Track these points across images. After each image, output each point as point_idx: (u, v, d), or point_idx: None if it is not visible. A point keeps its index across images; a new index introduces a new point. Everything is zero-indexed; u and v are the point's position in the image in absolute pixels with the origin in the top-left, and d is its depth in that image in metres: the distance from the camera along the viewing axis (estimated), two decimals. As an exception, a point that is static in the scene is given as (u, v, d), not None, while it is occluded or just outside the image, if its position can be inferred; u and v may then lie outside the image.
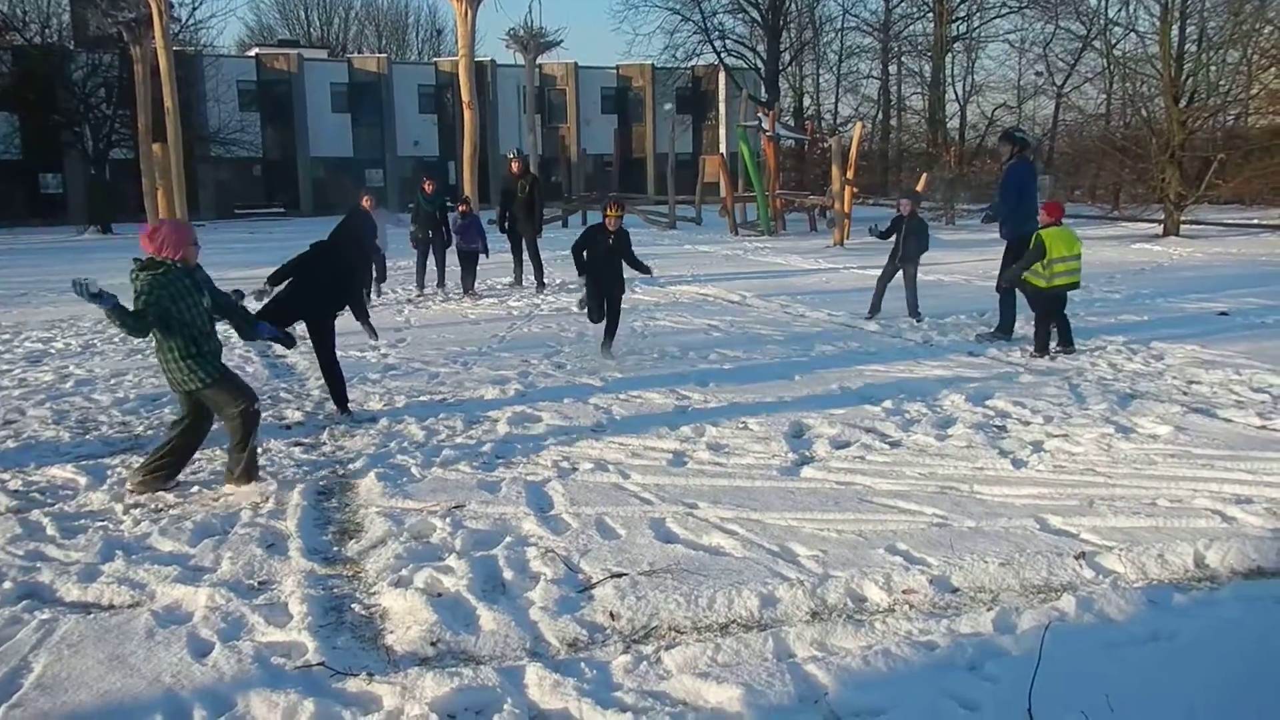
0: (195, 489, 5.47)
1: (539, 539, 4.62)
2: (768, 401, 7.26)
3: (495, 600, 3.97)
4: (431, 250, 14.22)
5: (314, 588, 4.13)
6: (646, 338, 10.16)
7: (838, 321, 11.03)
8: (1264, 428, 6.39)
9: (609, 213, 8.82)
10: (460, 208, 14.21)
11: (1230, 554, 4.28)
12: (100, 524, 4.92)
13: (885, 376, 8.05)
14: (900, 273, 11.08)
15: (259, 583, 4.22)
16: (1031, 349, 8.97)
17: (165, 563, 4.40)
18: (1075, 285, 9.04)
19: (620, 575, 4.16)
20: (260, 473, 5.58)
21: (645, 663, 3.45)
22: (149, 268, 5.21)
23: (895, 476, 5.49)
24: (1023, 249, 9.40)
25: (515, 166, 14.46)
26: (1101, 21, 31.11)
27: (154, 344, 5.39)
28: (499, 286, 14.64)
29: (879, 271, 11.48)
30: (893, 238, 11.10)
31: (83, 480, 5.61)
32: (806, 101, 50.68)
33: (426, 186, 14.37)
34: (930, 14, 43.50)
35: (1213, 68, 26.07)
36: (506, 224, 14.34)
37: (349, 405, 7.14)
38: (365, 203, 12.55)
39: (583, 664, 3.46)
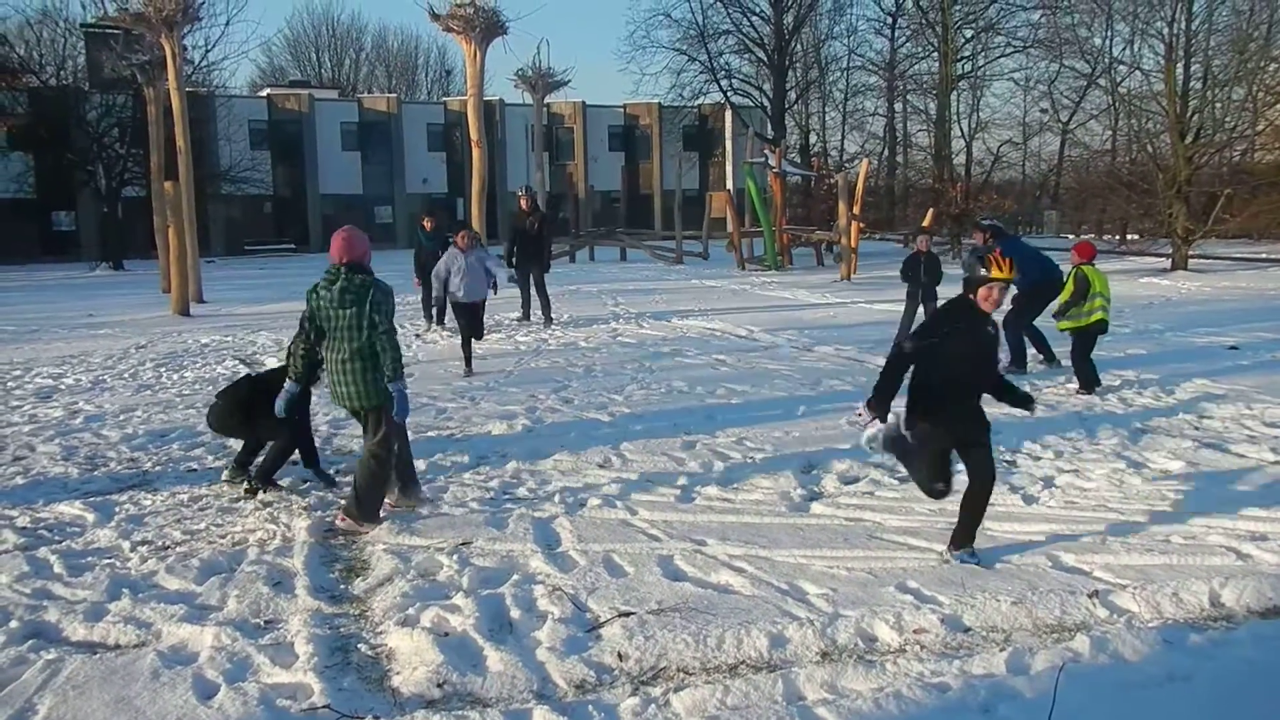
0: (203, 526, 5.45)
1: (546, 576, 4.59)
2: (776, 437, 7.23)
3: (502, 640, 3.93)
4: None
5: (320, 627, 4.10)
6: (654, 373, 10.15)
7: (845, 356, 11.02)
8: (1278, 463, 6.34)
9: (995, 272, 4.55)
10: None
11: (1246, 592, 4.22)
12: (107, 561, 4.90)
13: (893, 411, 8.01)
14: (921, 308, 11.21)
15: (265, 622, 4.19)
16: (1075, 387, 8.78)
17: (172, 601, 4.38)
18: (1107, 324, 8.99)
19: (628, 614, 4.12)
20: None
21: (654, 705, 3.41)
22: (363, 272, 5.20)
23: (905, 512, 5.45)
24: (1036, 294, 9.44)
25: (524, 203, 14.53)
26: (1106, 60, 31.37)
27: (340, 357, 5.20)
28: (506, 322, 14.67)
29: (886, 305, 11.55)
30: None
31: (90, 517, 5.61)
32: (813, 138, 50.95)
33: (426, 223, 14.36)
34: (935, 53, 43.83)
35: (1218, 104, 26.21)
36: (515, 260, 14.40)
37: (268, 483, 6.11)
38: (459, 241, 10.83)
39: (590, 707, 3.42)
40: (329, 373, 5.34)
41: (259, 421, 6.13)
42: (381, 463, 5.36)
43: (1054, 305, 9.17)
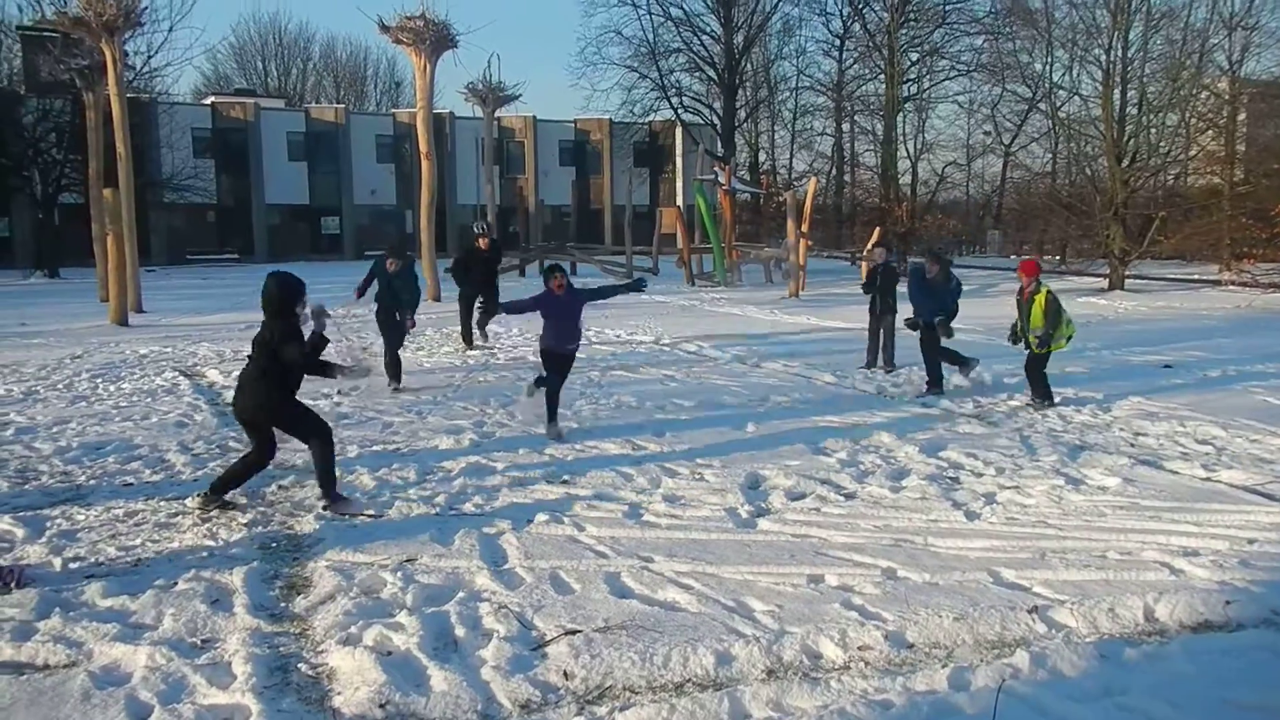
0: (139, 541, 5.31)
1: (492, 594, 4.55)
2: (724, 453, 7.25)
3: (447, 659, 3.88)
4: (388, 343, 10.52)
5: (259, 646, 4.01)
6: (603, 388, 10.14)
7: (793, 372, 11.11)
8: (1209, 479, 6.51)
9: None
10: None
11: (1179, 607, 4.32)
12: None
13: (840, 427, 8.10)
14: (881, 324, 11.37)
15: (202, 641, 4.09)
16: (1032, 401, 9.14)
17: (104, 620, 4.25)
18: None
19: (574, 632, 4.10)
20: None
21: (599, 723, 3.39)
22: None
23: (850, 529, 5.49)
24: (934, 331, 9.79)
25: (483, 243, 13.77)
26: (1046, 85, 32.07)
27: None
28: (455, 335, 14.51)
29: (833, 322, 11.68)
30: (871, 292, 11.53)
31: (20, 532, 5.43)
32: (762, 157, 51.57)
33: (390, 265, 10.51)
34: (882, 75, 44.59)
35: (1153, 130, 26.98)
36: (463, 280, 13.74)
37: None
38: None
39: (535, 725, 3.39)
40: None
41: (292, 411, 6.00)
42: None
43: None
